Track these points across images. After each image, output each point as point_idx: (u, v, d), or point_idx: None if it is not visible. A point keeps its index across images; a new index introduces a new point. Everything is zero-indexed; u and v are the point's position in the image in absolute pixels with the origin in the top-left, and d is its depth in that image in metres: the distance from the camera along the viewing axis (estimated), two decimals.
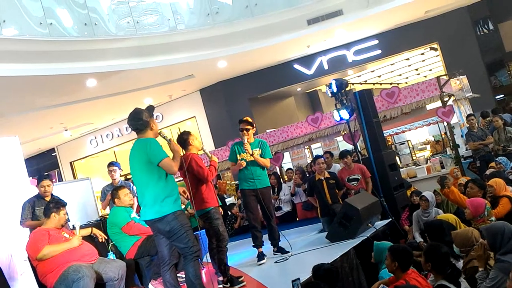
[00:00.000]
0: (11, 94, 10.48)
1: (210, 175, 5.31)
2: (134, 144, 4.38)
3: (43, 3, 9.72)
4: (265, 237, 6.20)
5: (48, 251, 4.61)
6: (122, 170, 7.71)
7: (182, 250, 4.27)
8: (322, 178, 7.53)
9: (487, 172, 7.41)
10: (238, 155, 6.05)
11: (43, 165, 19.07)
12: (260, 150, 6.13)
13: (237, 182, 11.77)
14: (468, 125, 9.53)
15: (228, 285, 5.20)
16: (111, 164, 7.50)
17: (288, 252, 6.07)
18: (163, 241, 4.37)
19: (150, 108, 4.46)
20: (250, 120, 6.17)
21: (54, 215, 4.94)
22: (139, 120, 4.30)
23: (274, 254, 6.12)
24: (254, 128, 6.19)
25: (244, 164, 5.99)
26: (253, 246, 6.14)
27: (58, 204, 5.04)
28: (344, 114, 8.06)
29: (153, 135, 4.36)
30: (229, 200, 10.84)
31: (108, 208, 7.33)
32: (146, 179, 4.23)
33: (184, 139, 5.49)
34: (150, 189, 4.22)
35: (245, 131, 6.04)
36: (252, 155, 6.00)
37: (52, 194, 6.16)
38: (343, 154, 8.15)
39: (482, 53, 14.35)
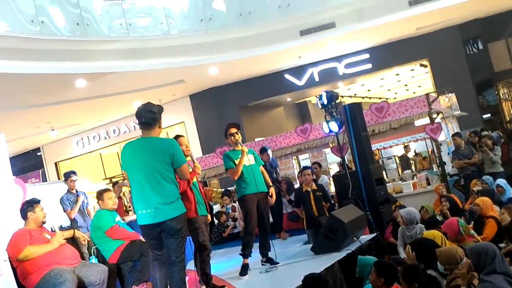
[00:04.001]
0: None
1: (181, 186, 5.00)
2: (148, 140, 4.14)
3: (36, 1, 9.64)
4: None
5: (29, 252, 4.53)
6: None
7: (173, 252, 4.13)
8: (309, 189, 7.53)
9: (474, 188, 7.46)
10: (235, 160, 5.73)
11: (27, 164, 18.82)
12: (253, 155, 5.97)
13: (223, 189, 11.71)
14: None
15: None
16: (72, 173, 7.74)
17: (278, 263, 5.94)
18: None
19: (160, 108, 4.30)
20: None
21: (30, 214, 4.84)
22: (153, 114, 4.12)
23: (263, 264, 5.96)
24: None
25: (246, 150, 5.78)
26: (241, 255, 5.85)
27: (30, 202, 4.94)
28: (334, 126, 8.06)
29: (157, 135, 4.20)
30: (216, 208, 10.76)
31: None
32: (163, 180, 4.06)
33: None
34: (167, 189, 4.08)
35: (239, 134, 5.90)
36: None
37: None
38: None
39: (471, 72, 14.53)
